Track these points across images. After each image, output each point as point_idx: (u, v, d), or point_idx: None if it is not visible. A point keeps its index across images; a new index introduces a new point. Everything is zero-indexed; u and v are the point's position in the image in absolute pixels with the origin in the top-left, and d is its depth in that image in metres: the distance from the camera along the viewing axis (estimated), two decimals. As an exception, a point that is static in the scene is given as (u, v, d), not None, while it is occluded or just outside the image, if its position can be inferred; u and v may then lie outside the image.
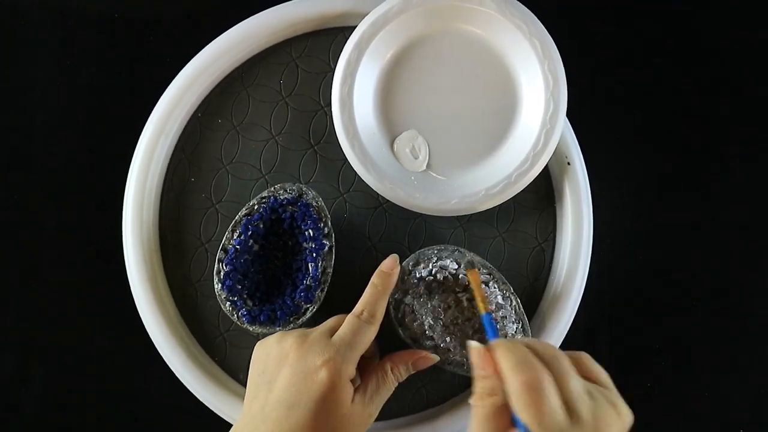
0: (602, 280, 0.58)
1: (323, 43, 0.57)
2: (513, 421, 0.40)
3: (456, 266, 0.52)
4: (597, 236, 0.57)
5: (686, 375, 0.60)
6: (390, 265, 0.51)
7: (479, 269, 0.52)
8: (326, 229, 0.52)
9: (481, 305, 0.49)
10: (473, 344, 0.43)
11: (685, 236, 0.60)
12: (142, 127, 0.56)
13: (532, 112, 0.54)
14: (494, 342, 0.42)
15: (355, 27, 0.54)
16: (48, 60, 0.60)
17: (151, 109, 0.56)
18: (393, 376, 0.49)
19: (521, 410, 0.38)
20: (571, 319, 0.56)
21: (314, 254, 0.52)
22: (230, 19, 0.56)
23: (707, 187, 0.61)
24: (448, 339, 0.52)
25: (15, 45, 0.60)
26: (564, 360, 0.40)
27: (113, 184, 0.57)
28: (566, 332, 0.56)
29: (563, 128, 0.55)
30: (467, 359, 0.51)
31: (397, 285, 0.51)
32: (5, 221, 0.60)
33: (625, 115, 0.61)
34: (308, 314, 0.52)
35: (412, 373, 0.51)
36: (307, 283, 0.52)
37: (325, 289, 0.52)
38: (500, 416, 0.40)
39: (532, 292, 0.57)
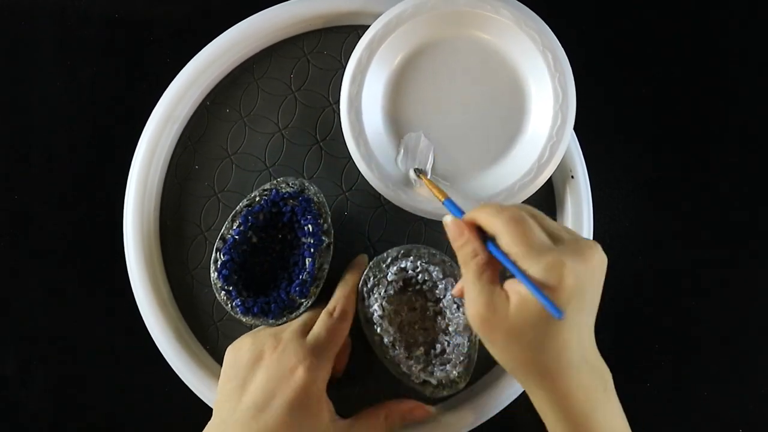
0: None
1: (336, 40, 0.57)
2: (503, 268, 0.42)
3: (439, 275, 0.52)
4: (597, 237, 0.57)
5: (686, 375, 0.60)
6: (360, 260, 0.54)
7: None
8: (326, 225, 0.52)
9: (437, 194, 0.50)
10: (447, 218, 0.45)
11: (685, 236, 0.61)
12: (143, 127, 0.56)
13: (539, 123, 0.54)
14: (471, 211, 0.44)
15: (368, 26, 0.54)
16: (48, 60, 0.60)
17: (151, 110, 0.56)
18: (386, 424, 0.50)
19: (510, 240, 0.40)
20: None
21: (312, 250, 0.52)
22: (231, 20, 0.56)
23: (708, 187, 0.61)
24: (393, 333, 0.52)
25: (15, 45, 0.60)
26: (533, 209, 0.43)
27: (113, 183, 0.58)
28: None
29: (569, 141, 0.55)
30: (403, 364, 0.51)
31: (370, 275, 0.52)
32: (5, 221, 0.60)
33: (626, 118, 0.61)
34: (302, 309, 0.52)
35: (407, 422, 0.51)
36: (303, 278, 0.52)
37: (321, 285, 0.52)
38: (486, 271, 0.42)
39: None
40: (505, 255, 0.40)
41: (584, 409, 0.41)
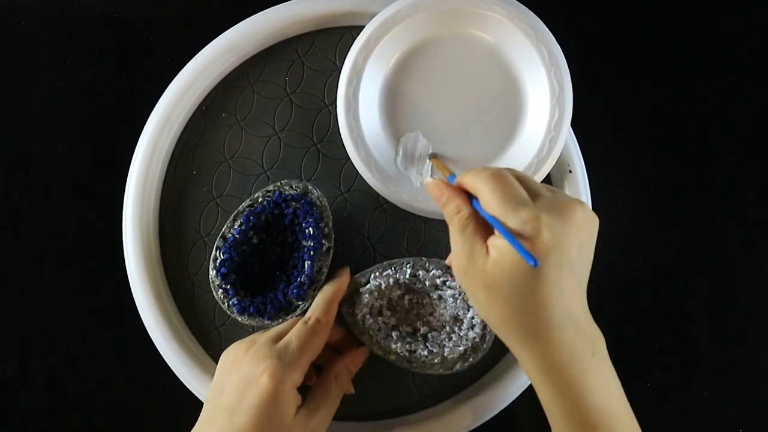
0: (602, 280, 0.59)
1: (330, 41, 0.57)
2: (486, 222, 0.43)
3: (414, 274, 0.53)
4: (597, 236, 0.57)
5: (686, 375, 0.60)
6: (343, 273, 0.53)
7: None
8: (327, 229, 0.52)
9: (444, 172, 0.51)
10: (428, 180, 0.46)
11: (685, 236, 0.60)
12: (142, 127, 0.56)
13: (536, 119, 0.54)
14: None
15: (362, 27, 0.54)
16: (48, 60, 0.60)
17: (151, 110, 0.56)
18: (336, 385, 0.50)
19: (489, 196, 0.41)
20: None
21: (312, 253, 0.52)
22: (230, 20, 0.56)
23: (708, 186, 0.60)
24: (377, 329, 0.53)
25: (15, 45, 0.60)
26: (519, 171, 0.44)
27: (113, 184, 0.58)
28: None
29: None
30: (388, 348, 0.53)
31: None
32: (5, 221, 0.60)
33: (626, 116, 0.61)
34: (298, 311, 0.52)
35: (354, 374, 0.52)
36: (301, 280, 0.52)
37: (318, 289, 0.52)
38: (470, 225, 0.43)
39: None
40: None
41: (570, 371, 0.40)
